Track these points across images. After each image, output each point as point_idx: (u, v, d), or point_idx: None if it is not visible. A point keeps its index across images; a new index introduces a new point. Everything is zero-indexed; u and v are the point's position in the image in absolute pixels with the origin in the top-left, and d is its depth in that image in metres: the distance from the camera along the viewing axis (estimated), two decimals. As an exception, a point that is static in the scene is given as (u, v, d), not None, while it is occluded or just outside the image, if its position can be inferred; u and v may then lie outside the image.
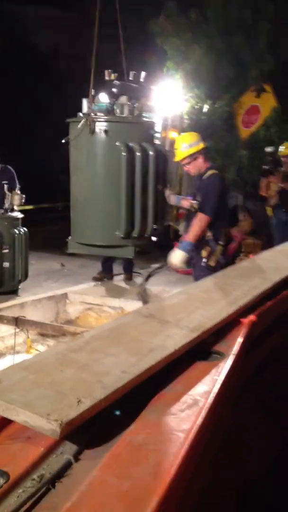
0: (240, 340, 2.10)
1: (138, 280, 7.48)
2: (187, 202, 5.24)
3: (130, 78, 3.94)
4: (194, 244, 4.59)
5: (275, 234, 7.45)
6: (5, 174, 7.34)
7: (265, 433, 2.44)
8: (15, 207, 6.89)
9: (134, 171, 3.68)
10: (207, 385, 1.71)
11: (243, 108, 9.27)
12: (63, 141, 3.86)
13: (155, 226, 4.30)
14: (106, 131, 3.66)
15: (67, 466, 1.28)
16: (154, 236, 4.43)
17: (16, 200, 6.86)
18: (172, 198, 5.03)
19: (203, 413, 1.49)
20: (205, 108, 9.07)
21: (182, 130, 9.18)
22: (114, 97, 3.88)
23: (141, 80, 3.97)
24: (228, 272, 3.15)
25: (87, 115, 3.69)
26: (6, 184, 6.99)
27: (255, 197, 7.76)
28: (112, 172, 3.72)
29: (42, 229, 11.25)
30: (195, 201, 4.68)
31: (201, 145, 4.63)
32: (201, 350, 2.04)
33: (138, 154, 3.63)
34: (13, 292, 6.76)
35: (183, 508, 1.33)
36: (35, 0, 19.87)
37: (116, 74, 3.92)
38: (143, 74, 3.95)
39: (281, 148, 7.25)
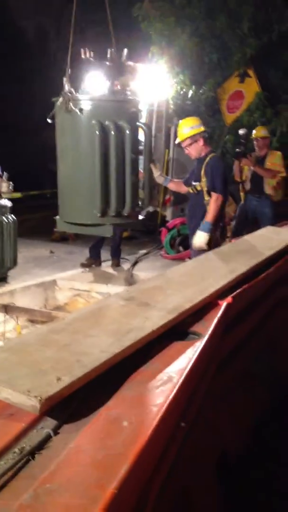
0: (216, 320, 2.19)
1: (126, 265, 7.55)
2: (174, 185, 5.35)
3: (108, 56, 3.90)
4: (214, 224, 4.75)
5: (237, 221, 7.46)
6: None
7: (243, 406, 2.54)
8: (3, 195, 6.92)
9: (108, 150, 3.68)
10: (182, 363, 1.80)
11: (227, 93, 9.33)
12: (48, 120, 3.87)
13: (140, 204, 4.27)
14: (81, 110, 3.68)
15: (47, 439, 1.36)
16: (140, 215, 4.40)
17: (3, 187, 6.89)
18: (159, 179, 5.12)
19: (176, 389, 1.58)
20: (190, 93, 9.10)
21: (167, 115, 9.23)
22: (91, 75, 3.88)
23: (123, 58, 3.93)
24: (208, 256, 3.24)
25: (63, 93, 3.69)
26: None
27: (238, 182, 7.81)
28: (88, 151, 3.76)
29: (30, 217, 11.27)
30: (197, 183, 4.83)
31: (202, 128, 4.85)
32: (179, 331, 2.14)
33: (112, 133, 3.64)
34: (2, 279, 6.80)
35: (157, 474, 1.42)
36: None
37: (92, 52, 3.90)
38: (125, 51, 3.91)
39: (254, 132, 7.32)
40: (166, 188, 8.66)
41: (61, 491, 1.09)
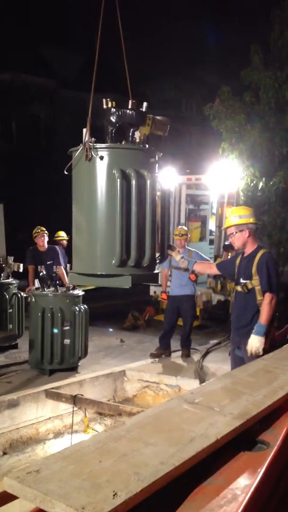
0: (286, 428, 2.05)
1: (196, 356, 7.40)
2: (201, 267, 5.22)
3: (129, 107, 3.93)
4: (268, 326, 4.41)
5: None
6: (50, 254, 8.00)
7: None
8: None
9: (130, 197, 3.58)
10: (248, 478, 1.68)
11: (298, 184, 9.39)
12: (65, 172, 3.88)
13: (158, 259, 4.08)
14: (101, 157, 3.67)
15: None
16: (155, 269, 4.18)
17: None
18: (183, 263, 4.81)
19: (241, 509, 1.46)
20: (260, 185, 9.23)
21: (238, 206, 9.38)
22: (112, 125, 3.89)
23: (143, 110, 3.98)
24: (277, 354, 3.10)
25: (84, 143, 3.71)
26: (50, 263, 7.60)
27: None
28: (108, 199, 3.66)
29: (104, 304, 11.48)
30: (247, 281, 4.48)
31: (251, 220, 4.56)
32: (246, 438, 2.01)
33: (134, 181, 3.57)
34: (73, 369, 6.86)
35: None
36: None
37: (114, 102, 3.94)
38: (145, 104, 3.96)
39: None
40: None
41: None
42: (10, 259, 8.33)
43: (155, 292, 10.54)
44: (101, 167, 3.65)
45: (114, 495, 1.38)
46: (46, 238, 8.19)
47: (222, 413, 2.07)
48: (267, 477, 1.72)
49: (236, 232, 4.55)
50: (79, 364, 6.96)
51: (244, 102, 10.19)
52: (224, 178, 9.21)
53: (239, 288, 4.58)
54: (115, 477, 1.48)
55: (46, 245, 8.19)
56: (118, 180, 3.54)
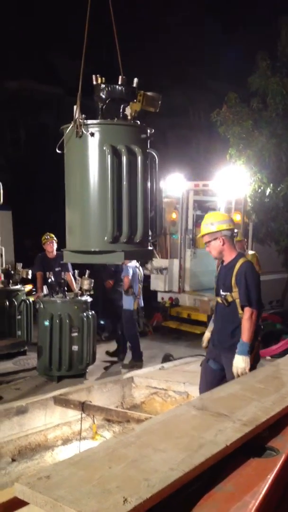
0: (295, 435, 2.05)
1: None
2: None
3: (119, 82, 3.89)
4: (252, 343, 4.06)
5: None
6: (59, 260, 8.03)
7: None
8: (85, 292, 7.16)
9: (121, 174, 3.57)
10: (258, 485, 1.68)
11: (306, 190, 9.38)
12: (57, 150, 3.85)
13: (150, 234, 4.00)
14: (92, 134, 3.65)
15: None
16: (151, 245, 4.09)
17: (85, 284, 7.13)
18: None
19: (251, 516, 1.46)
20: (268, 191, 9.23)
21: (245, 212, 9.36)
22: (102, 101, 3.85)
23: (134, 85, 3.94)
24: (286, 360, 3.09)
25: (74, 120, 3.69)
26: (59, 270, 7.63)
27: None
28: (99, 175, 3.64)
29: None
30: (227, 293, 4.17)
31: (223, 226, 4.15)
32: (255, 444, 2.01)
33: (124, 157, 3.55)
34: (81, 375, 6.86)
35: None
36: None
37: (103, 78, 3.91)
38: (135, 80, 3.94)
39: None
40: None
41: None
42: (19, 266, 8.37)
43: (162, 298, 10.53)
44: (92, 144, 3.63)
45: (124, 501, 1.39)
46: (55, 245, 8.23)
47: (231, 420, 2.07)
48: (277, 484, 1.72)
49: (210, 241, 4.23)
50: (87, 370, 6.96)
51: (251, 108, 10.20)
52: (232, 184, 9.20)
53: (219, 300, 4.30)
54: (125, 483, 1.48)
55: (55, 252, 8.22)
56: (109, 156, 3.53)
